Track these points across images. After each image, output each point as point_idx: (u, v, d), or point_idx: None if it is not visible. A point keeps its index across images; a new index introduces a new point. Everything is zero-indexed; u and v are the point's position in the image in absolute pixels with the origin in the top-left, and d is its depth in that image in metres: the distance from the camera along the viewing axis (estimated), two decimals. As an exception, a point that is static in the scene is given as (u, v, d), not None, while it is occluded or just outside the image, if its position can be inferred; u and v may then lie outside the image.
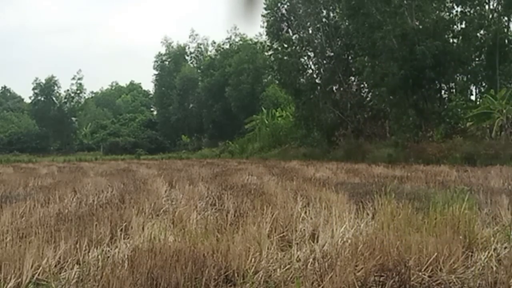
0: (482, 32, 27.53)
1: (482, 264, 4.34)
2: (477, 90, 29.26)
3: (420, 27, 26.33)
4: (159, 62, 70.23)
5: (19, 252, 4.35)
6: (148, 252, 4.29)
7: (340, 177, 14.29)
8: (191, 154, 50.60)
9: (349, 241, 4.89)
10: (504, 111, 23.06)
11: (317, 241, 5.24)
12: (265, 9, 35.45)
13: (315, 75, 35.68)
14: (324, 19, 34.89)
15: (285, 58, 34.87)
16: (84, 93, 71.13)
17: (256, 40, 56.06)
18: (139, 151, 52.27)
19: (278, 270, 4.35)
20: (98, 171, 20.32)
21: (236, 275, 4.18)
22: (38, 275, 4.27)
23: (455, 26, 27.89)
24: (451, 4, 28.15)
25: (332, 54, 34.70)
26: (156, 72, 70.54)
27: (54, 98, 68.11)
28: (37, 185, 13.12)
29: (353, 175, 14.86)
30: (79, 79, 68.14)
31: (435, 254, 4.32)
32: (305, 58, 36.13)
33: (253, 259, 4.41)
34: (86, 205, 8.33)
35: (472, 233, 5.06)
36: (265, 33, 38.50)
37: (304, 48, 35.69)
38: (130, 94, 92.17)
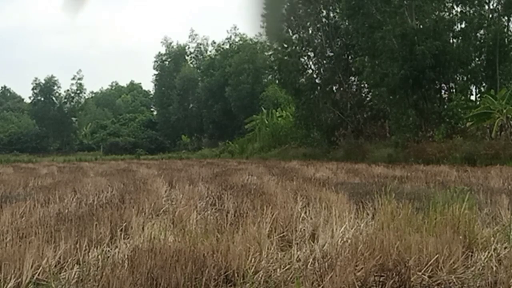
0: (482, 32, 27.49)
1: (482, 264, 4.35)
2: (477, 90, 29.18)
3: (420, 27, 26.33)
4: (159, 62, 70.24)
5: (19, 252, 4.34)
6: (148, 252, 4.28)
7: (340, 177, 14.29)
8: (191, 154, 50.60)
9: (349, 241, 4.89)
10: (504, 111, 23.04)
11: (317, 241, 5.24)
12: (265, 9, 35.40)
13: (315, 75, 35.65)
14: (324, 19, 34.89)
15: (285, 58, 34.86)
16: (84, 93, 71.32)
17: (256, 40, 56.11)
18: (139, 151, 52.28)
19: (278, 270, 4.35)
20: (98, 171, 20.33)
21: (236, 275, 4.18)
22: (38, 275, 4.26)
23: (455, 26, 27.88)
24: (451, 4, 28.11)
25: (332, 54, 34.69)
26: (156, 72, 70.60)
27: (54, 98, 68.17)
28: (37, 185, 13.12)
29: (353, 175, 14.86)
30: (79, 79, 68.28)
31: (435, 254, 4.32)
32: (305, 58, 36.10)
33: (253, 259, 4.41)
34: (86, 205, 8.32)
35: (472, 233, 5.05)
36: (265, 33, 38.47)
37: (304, 48, 35.66)
38: (130, 94, 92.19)
